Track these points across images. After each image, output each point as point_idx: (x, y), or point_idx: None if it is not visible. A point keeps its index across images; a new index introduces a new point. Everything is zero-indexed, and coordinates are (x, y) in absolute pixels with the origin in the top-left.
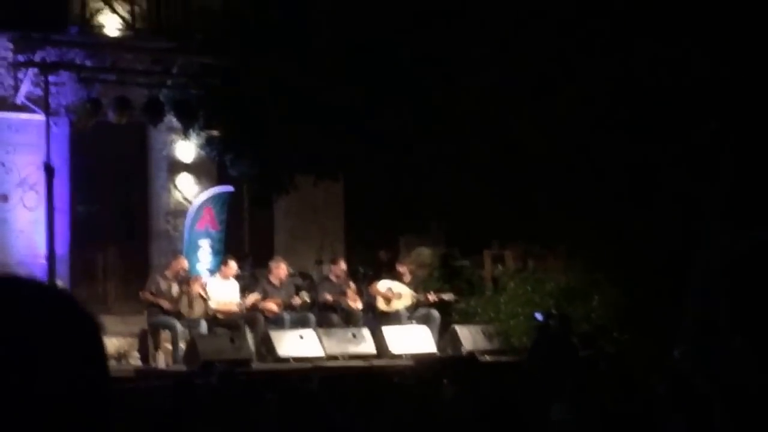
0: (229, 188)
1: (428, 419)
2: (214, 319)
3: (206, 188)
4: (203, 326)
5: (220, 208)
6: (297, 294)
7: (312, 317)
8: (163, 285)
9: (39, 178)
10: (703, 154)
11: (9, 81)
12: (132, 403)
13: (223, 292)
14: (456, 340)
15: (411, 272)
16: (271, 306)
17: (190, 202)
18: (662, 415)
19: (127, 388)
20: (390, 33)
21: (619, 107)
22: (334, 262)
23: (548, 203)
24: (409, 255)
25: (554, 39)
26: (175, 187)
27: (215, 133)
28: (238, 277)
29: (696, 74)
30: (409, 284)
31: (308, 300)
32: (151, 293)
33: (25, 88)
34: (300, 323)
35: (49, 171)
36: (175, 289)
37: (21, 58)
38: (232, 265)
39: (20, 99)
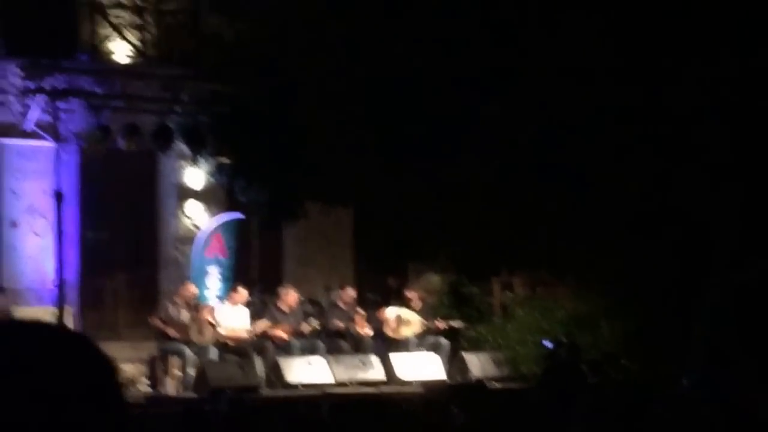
0: (239, 215)
1: None
2: (224, 346)
3: (215, 215)
4: (213, 353)
5: (230, 235)
6: (306, 321)
7: (321, 344)
8: (173, 311)
9: (48, 204)
10: (712, 181)
11: (18, 108)
12: (141, 430)
13: (232, 318)
14: (465, 367)
15: (420, 299)
16: (280, 333)
17: (199, 229)
18: None
19: (137, 415)
20: (401, 63)
21: (628, 133)
22: (342, 288)
23: (557, 230)
24: (418, 281)
25: (562, 72)
26: (184, 214)
27: (224, 160)
28: (247, 304)
29: (708, 101)
30: (418, 311)
31: (317, 327)
32: (161, 320)
33: (35, 114)
34: (309, 350)
35: (58, 198)
36: (185, 315)
37: (30, 84)
38: (242, 292)
39: (29, 126)
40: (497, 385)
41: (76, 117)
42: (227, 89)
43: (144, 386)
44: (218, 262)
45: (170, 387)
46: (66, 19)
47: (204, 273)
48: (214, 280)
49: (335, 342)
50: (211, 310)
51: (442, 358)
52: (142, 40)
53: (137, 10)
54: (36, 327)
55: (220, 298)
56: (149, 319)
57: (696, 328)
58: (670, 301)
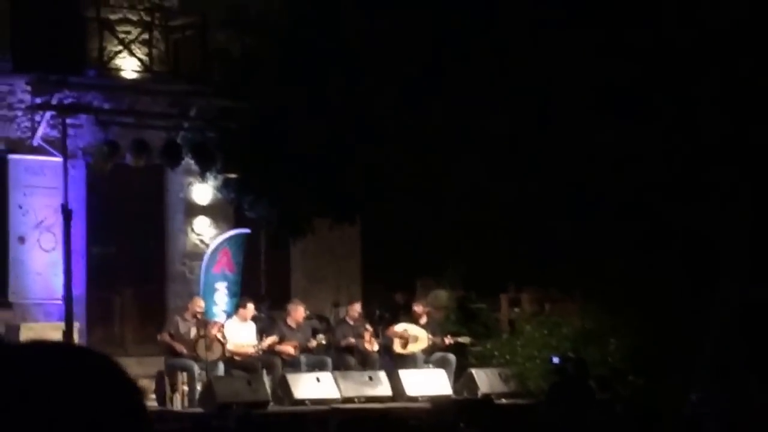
0: (246, 230)
1: None
2: (231, 362)
3: (223, 231)
4: (220, 368)
5: (237, 250)
6: (314, 336)
7: (328, 360)
8: (182, 327)
9: (56, 220)
10: (718, 200)
11: (26, 123)
12: None
13: (240, 334)
14: (472, 383)
15: (428, 314)
16: (288, 348)
17: (206, 245)
18: None
19: None
20: (403, 80)
21: (634, 156)
22: (350, 304)
23: (565, 247)
24: (426, 297)
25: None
26: (192, 229)
27: (232, 175)
28: (255, 319)
29: (716, 129)
30: (425, 327)
31: (325, 342)
32: (170, 335)
33: (43, 130)
34: (317, 366)
35: (66, 213)
36: (193, 331)
37: (38, 100)
38: (250, 308)
39: (37, 141)
40: (505, 401)
41: (84, 132)
42: (235, 105)
43: (151, 402)
44: (226, 278)
45: (177, 403)
46: (74, 35)
47: (211, 289)
48: (221, 296)
49: (343, 358)
50: (220, 326)
51: (449, 373)
52: (150, 56)
53: (145, 26)
54: (63, 350)
55: (228, 314)
56: (158, 335)
57: (702, 346)
58: (677, 318)
